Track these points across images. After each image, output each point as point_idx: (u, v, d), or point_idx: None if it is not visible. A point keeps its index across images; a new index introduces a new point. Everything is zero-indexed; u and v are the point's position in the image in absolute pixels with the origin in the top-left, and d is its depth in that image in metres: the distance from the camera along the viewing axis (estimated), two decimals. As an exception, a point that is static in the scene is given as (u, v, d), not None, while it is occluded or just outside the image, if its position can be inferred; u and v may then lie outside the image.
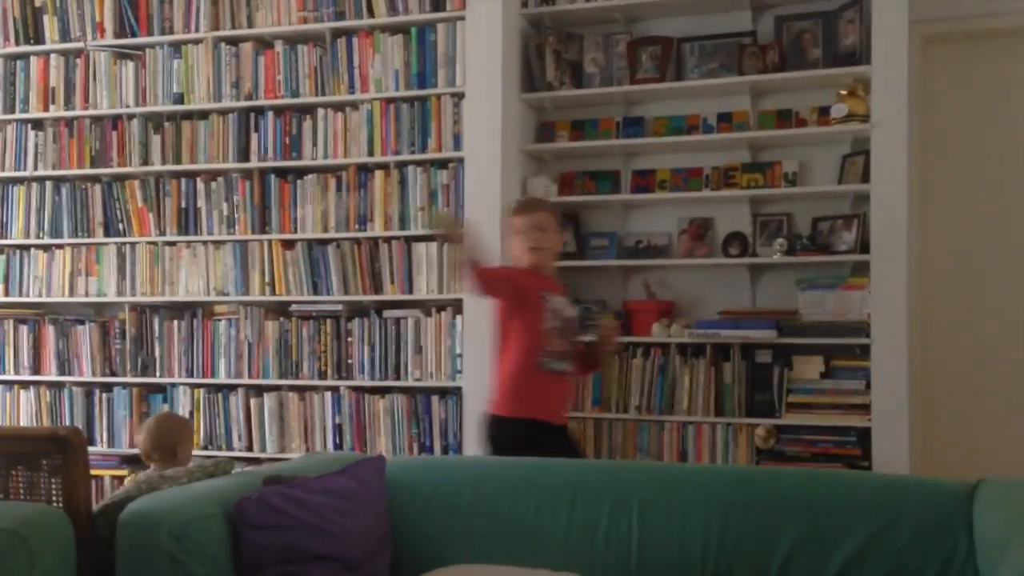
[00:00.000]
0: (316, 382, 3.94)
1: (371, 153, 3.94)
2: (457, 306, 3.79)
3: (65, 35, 4.32)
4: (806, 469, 3.17)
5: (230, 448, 4.00)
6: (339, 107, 3.99)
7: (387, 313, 3.91)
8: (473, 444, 3.66)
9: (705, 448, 3.62)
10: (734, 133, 3.80)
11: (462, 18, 3.82)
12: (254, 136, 4.07)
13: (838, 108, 3.61)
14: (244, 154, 4.09)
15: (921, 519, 2.19)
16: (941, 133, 3.72)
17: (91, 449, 2.97)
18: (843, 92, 3.59)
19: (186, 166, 4.16)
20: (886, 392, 3.40)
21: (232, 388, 4.06)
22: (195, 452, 3.42)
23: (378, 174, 3.92)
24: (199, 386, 4.09)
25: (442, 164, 3.86)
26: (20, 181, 4.37)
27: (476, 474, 2.52)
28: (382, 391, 3.89)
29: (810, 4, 3.76)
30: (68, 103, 4.31)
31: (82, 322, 4.27)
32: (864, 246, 3.54)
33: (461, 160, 3.81)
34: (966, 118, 3.72)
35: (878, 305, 3.46)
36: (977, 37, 3.70)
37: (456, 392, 3.77)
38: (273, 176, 4.05)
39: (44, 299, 4.33)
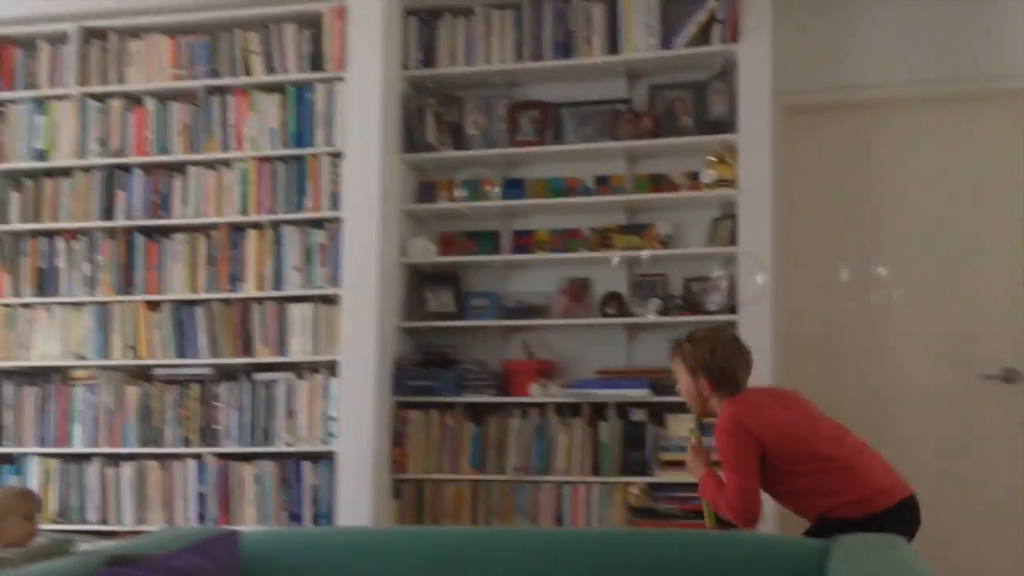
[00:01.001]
0: (179, 449, 3.78)
1: (244, 212, 3.86)
2: (332, 368, 3.71)
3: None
4: (669, 531, 3.17)
5: (84, 521, 3.77)
6: (211, 165, 3.91)
7: (258, 376, 3.79)
8: (347, 512, 3.56)
9: (581, 507, 3.60)
10: (611, 196, 3.88)
11: (341, 79, 3.82)
12: (120, 194, 3.93)
13: (707, 173, 3.73)
14: (108, 212, 3.94)
15: (776, 578, 2.21)
16: (804, 198, 3.88)
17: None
18: (712, 158, 3.72)
19: (46, 224, 3.99)
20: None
21: (87, 457, 3.84)
22: (46, 527, 3.22)
23: (252, 233, 3.84)
24: (52, 456, 3.86)
25: (319, 224, 3.81)
26: None
27: (337, 546, 2.43)
28: (250, 457, 3.75)
29: (682, 74, 3.89)
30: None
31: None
32: (732, 307, 3.63)
33: (339, 220, 3.76)
34: (827, 183, 3.89)
35: (749, 365, 3.53)
36: (836, 108, 3.89)
37: (329, 457, 3.66)
38: (139, 235, 3.91)
39: None
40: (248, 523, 3.64)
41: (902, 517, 2.56)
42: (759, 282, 3.52)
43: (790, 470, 2.59)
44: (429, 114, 3.95)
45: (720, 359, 2.75)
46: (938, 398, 3.71)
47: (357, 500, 3.58)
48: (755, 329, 3.52)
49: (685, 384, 2.81)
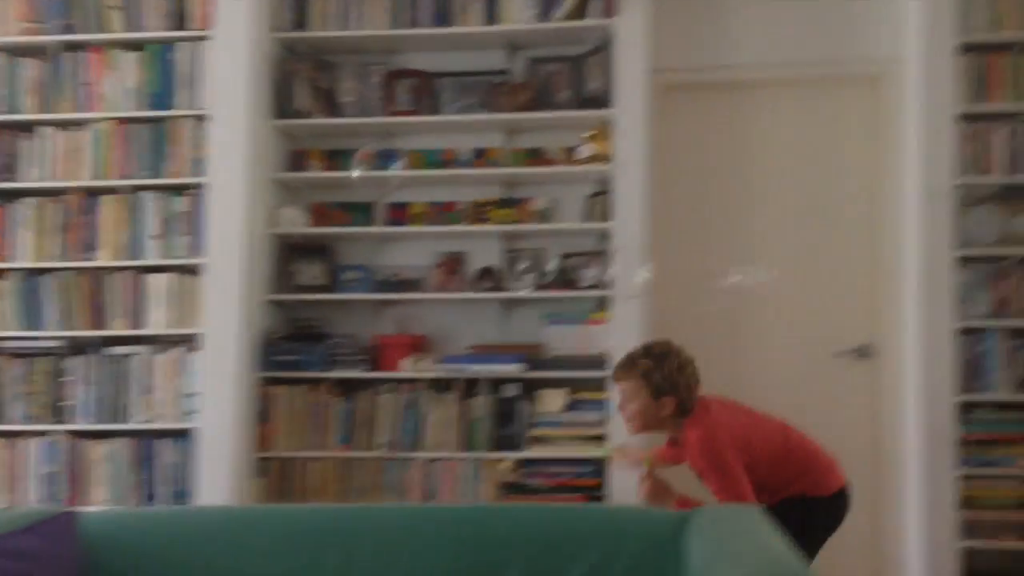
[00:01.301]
0: (25, 427, 3.56)
1: (100, 176, 3.64)
2: (192, 341, 3.56)
3: None
4: (532, 504, 3.18)
5: (-81, 503, 3.52)
6: (64, 126, 3.67)
7: (112, 350, 3.60)
8: (208, 491, 3.43)
9: (451, 484, 3.57)
10: (488, 169, 3.83)
11: (207, 37, 3.64)
12: (-37, 153, 3.67)
13: (584, 149, 3.73)
14: (-51, 173, 3.67)
15: (638, 548, 2.24)
16: (677, 175, 3.92)
17: None
18: (588, 133, 3.72)
19: None
20: (621, 423, 3.49)
21: (-75, 435, 3.59)
22: None
23: (107, 199, 3.63)
24: None
25: (181, 190, 3.63)
26: None
27: (187, 525, 2.33)
28: (103, 435, 3.57)
29: (560, 48, 3.87)
30: None
31: None
32: (607, 281, 3.65)
33: (203, 186, 3.59)
34: (699, 161, 3.94)
35: (617, 338, 3.57)
36: (710, 88, 3.94)
37: (189, 434, 3.52)
38: (-16, 198, 3.66)
39: None
40: (100, 504, 3.47)
41: (846, 498, 2.68)
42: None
43: (759, 470, 2.55)
44: (301, 79, 3.82)
45: (689, 377, 2.63)
46: (796, 374, 3.83)
47: (218, 479, 3.46)
48: (627, 307, 3.56)
49: (640, 404, 2.61)
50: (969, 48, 3.49)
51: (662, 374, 2.59)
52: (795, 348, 3.84)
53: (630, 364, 2.64)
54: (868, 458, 3.75)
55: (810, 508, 2.61)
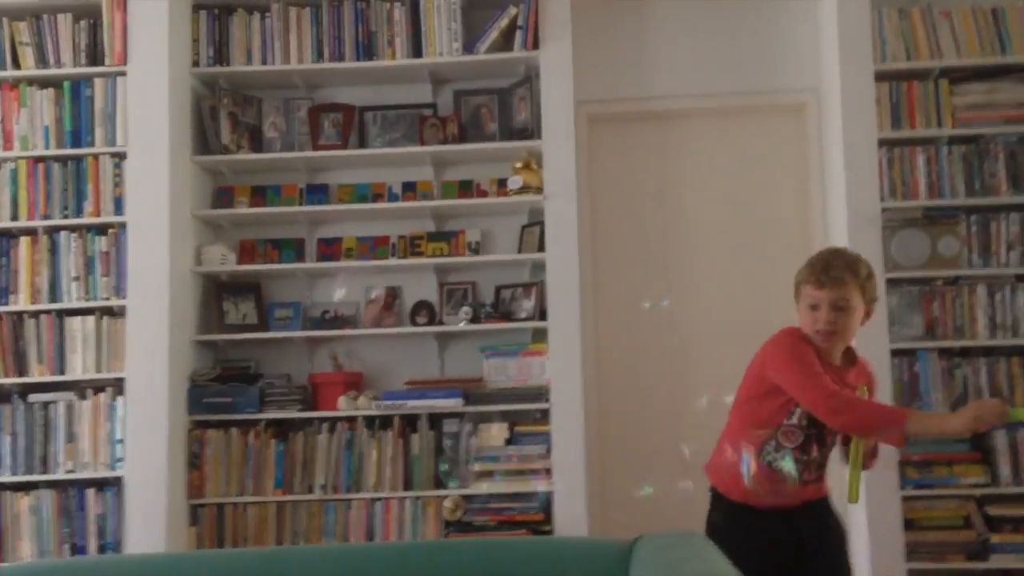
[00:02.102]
0: (-61, 482, 3.38)
1: (15, 217, 3.50)
2: (118, 386, 3.42)
3: None
4: (473, 539, 3.12)
5: None
6: (-24, 165, 3.53)
7: (33, 397, 3.44)
8: (138, 542, 3.29)
9: (393, 524, 3.49)
10: (418, 202, 3.80)
11: (123, 73, 3.54)
12: None
13: (514, 180, 3.72)
14: None
15: (584, 580, 2.20)
16: (609, 205, 3.94)
17: None
18: (518, 165, 3.72)
19: None
20: (565, 456, 3.48)
21: None
22: None
23: (23, 240, 3.49)
24: None
25: (101, 230, 3.51)
26: None
27: (110, 574, 2.21)
28: (26, 487, 3.40)
29: (486, 81, 3.88)
30: None
31: None
32: (543, 313, 3.64)
33: (124, 225, 3.48)
34: (630, 191, 3.97)
35: (556, 370, 3.55)
36: (636, 118, 3.98)
37: (117, 483, 3.37)
38: None
39: None
40: (25, 559, 3.29)
41: None
42: None
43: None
44: (223, 114, 3.74)
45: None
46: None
47: (149, 529, 3.32)
48: (565, 337, 3.55)
49: (855, 320, 2.32)
50: (887, 76, 3.60)
51: (873, 284, 2.34)
52: (731, 372, 3.86)
53: (851, 268, 2.31)
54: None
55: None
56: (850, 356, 2.42)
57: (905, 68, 3.59)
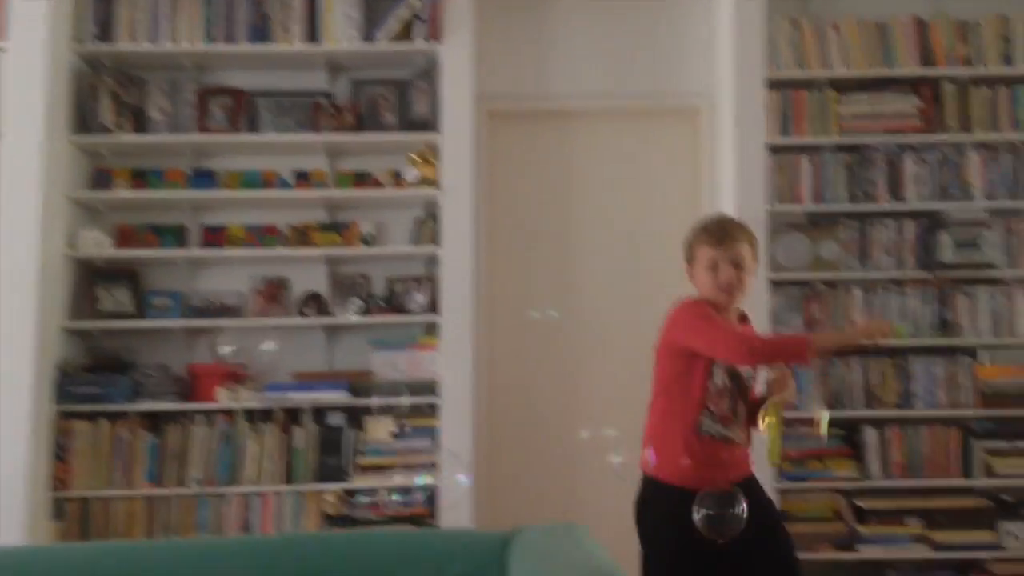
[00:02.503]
0: None
1: None
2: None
3: None
4: (349, 532, 3.05)
5: None
6: None
7: None
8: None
9: (272, 519, 3.38)
10: (311, 191, 3.70)
11: (1, 49, 3.36)
12: None
13: (410, 172, 3.67)
14: None
15: (460, 572, 2.16)
16: (507, 201, 3.92)
17: None
18: (415, 157, 3.67)
19: None
20: (455, 448, 3.43)
21: None
22: None
23: None
24: None
25: (-33, 209, 3.31)
26: None
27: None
28: None
29: (385, 71, 3.81)
30: None
31: None
32: (435, 307, 3.59)
33: (-8, 206, 3.29)
34: (529, 189, 3.96)
35: (446, 364, 3.51)
36: (536, 116, 3.97)
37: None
38: None
39: None
40: None
41: None
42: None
43: None
44: (105, 94, 3.58)
45: None
46: (623, 396, 3.86)
47: (8, 523, 3.14)
48: (456, 332, 3.51)
49: (750, 276, 2.41)
50: (777, 84, 3.68)
51: (758, 248, 2.48)
52: (621, 371, 3.88)
53: (744, 230, 2.45)
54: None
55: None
56: (743, 318, 2.49)
57: (795, 77, 3.68)
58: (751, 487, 2.40)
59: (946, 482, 3.53)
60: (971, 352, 3.60)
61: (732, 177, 3.65)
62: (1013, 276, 3.60)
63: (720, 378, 2.37)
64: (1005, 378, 3.57)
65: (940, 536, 3.48)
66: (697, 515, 2.16)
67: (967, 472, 3.53)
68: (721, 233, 2.43)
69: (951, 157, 3.64)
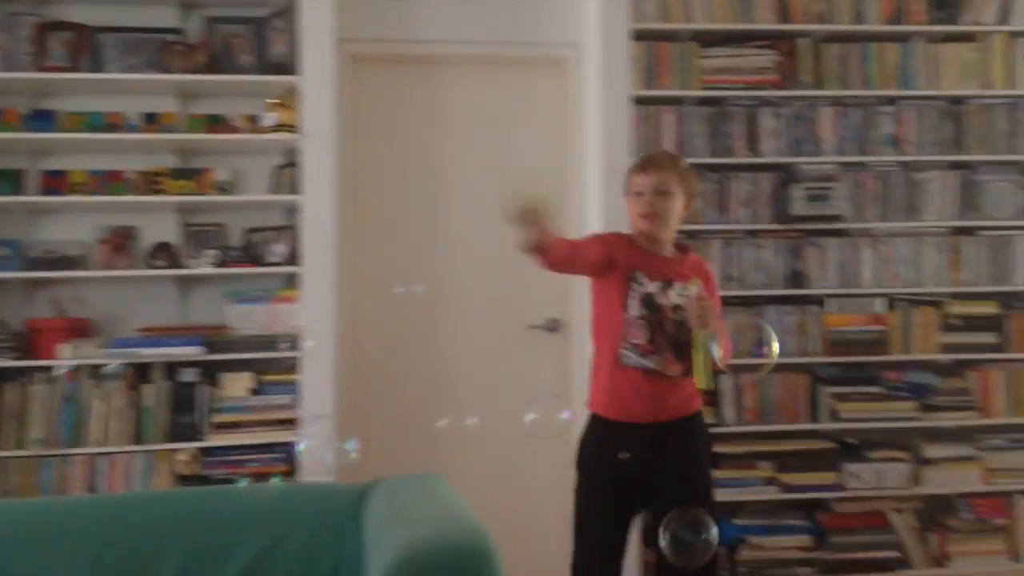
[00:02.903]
0: None
1: None
2: None
3: None
4: (193, 489, 2.94)
5: None
6: None
7: None
8: None
9: (120, 480, 3.23)
10: (161, 135, 3.50)
11: None
12: None
13: (269, 117, 3.52)
14: None
15: (315, 525, 2.12)
16: (372, 149, 3.82)
17: None
18: (273, 101, 3.52)
19: None
20: (314, 406, 3.35)
21: None
22: None
23: None
24: None
25: None
26: None
27: None
28: None
29: (241, 8, 3.63)
30: None
31: None
32: (295, 258, 3.48)
33: None
34: (395, 136, 3.86)
35: (307, 318, 3.41)
36: (401, 61, 3.87)
37: None
38: None
39: None
40: None
41: None
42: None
43: None
44: (-74, 23, 3.27)
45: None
46: (493, 347, 3.87)
47: None
48: (318, 284, 3.41)
49: (674, 203, 2.44)
50: (642, 35, 3.69)
51: (694, 182, 2.53)
52: (490, 322, 3.88)
53: (671, 159, 2.52)
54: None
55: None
56: (683, 250, 2.54)
57: (659, 28, 3.70)
58: (685, 429, 2.47)
59: (795, 426, 3.69)
60: (819, 301, 3.75)
61: (597, 128, 3.66)
62: (859, 228, 3.76)
63: (636, 309, 2.41)
64: (850, 326, 3.75)
65: (789, 478, 3.64)
66: (662, 540, 2.10)
67: (814, 416, 3.70)
68: (647, 161, 2.50)
69: (805, 112, 3.76)
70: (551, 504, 3.82)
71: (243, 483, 2.99)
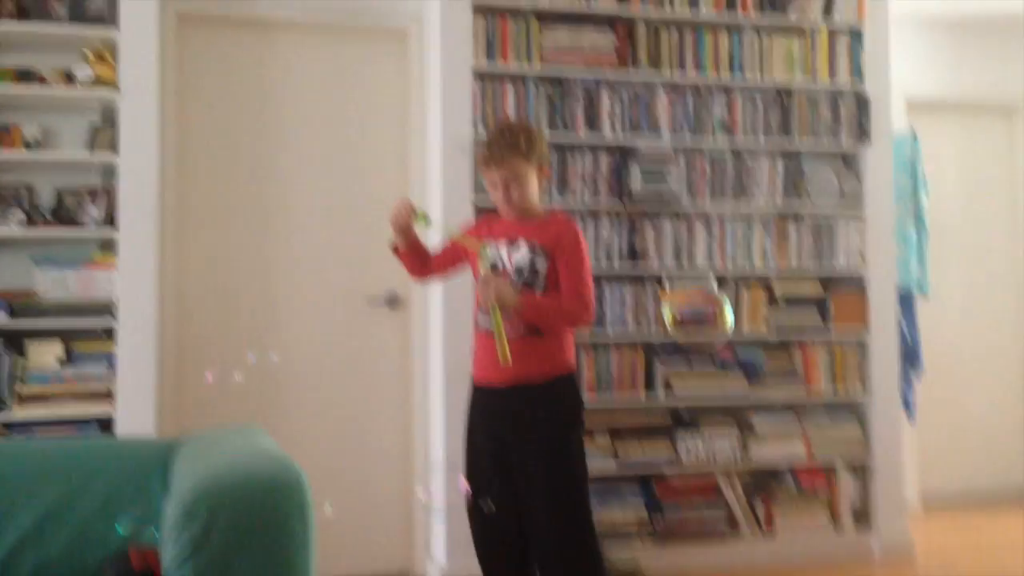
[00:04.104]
0: None
1: None
2: None
3: None
4: (5, 442, 2.70)
5: None
6: None
7: None
8: None
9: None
10: (-38, 87, 3.21)
11: None
12: None
13: (83, 71, 3.29)
14: None
15: (117, 478, 1.94)
16: (200, 111, 3.63)
17: None
18: (90, 55, 3.29)
19: None
20: (132, 377, 3.14)
21: None
22: None
23: None
24: None
25: None
26: None
27: None
28: None
29: (54, -45, 3.38)
30: None
31: None
32: (113, 220, 3.25)
33: None
34: (224, 100, 3.69)
35: (126, 284, 3.20)
36: (231, 23, 3.70)
37: None
38: None
39: None
40: None
41: None
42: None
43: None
44: None
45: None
46: (331, 320, 3.74)
47: None
48: (137, 249, 3.20)
49: (530, 183, 2.47)
50: (483, 9, 3.67)
51: (542, 147, 2.50)
52: (329, 295, 3.75)
53: (511, 142, 2.45)
54: (400, 401, 3.79)
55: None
56: (552, 215, 2.59)
57: (501, 4, 3.69)
58: (541, 395, 2.44)
59: (632, 400, 3.73)
60: (656, 279, 3.82)
61: (438, 101, 3.61)
62: (693, 209, 3.86)
63: (482, 271, 2.46)
64: (684, 304, 3.83)
65: (626, 450, 3.68)
66: None
67: (650, 390, 3.76)
68: (489, 155, 2.48)
69: (642, 94, 3.84)
70: (385, 476, 3.72)
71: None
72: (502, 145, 2.46)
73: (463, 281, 3.52)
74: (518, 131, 2.50)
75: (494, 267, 2.47)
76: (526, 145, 2.46)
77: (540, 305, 2.41)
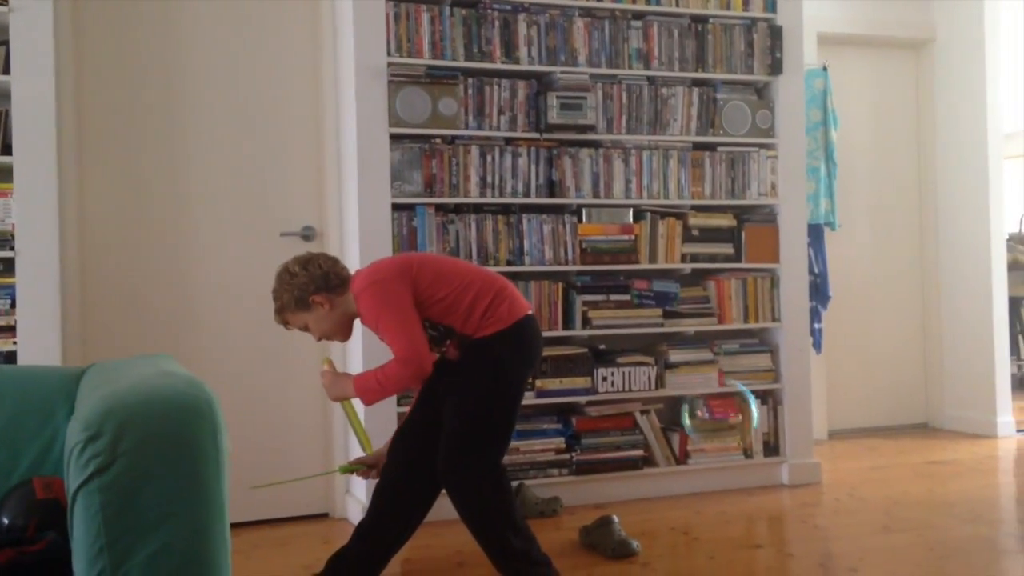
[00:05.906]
0: None
1: None
2: None
3: None
4: None
5: None
6: None
7: None
8: None
9: None
10: None
11: None
12: None
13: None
14: None
15: (17, 407, 1.86)
16: (102, 30, 3.45)
17: None
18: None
19: None
20: (34, 311, 3.02)
21: None
22: None
23: None
24: None
25: None
26: None
27: None
28: None
29: None
30: None
31: None
32: (8, 148, 3.08)
33: None
34: (127, 21, 3.50)
35: (24, 213, 3.04)
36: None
37: None
38: None
39: None
40: None
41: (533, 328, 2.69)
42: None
43: (439, 295, 2.56)
44: None
45: (314, 267, 2.54)
46: (246, 257, 3.65)
47: None
48: (35, 176, 3.05)
49: (327, 321, 2.57)
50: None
51: (308, 281, 2.53)
52: (243, 232, 3.65)
53: (277, 309, 2.58)
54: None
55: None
56: (348, 310, 2.63)
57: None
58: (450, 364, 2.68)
59: (551, 333, 3.75)
60: (574, 211, 3.82)
61: (351, 26, 3.50)
62: (610, 139, 3.86)
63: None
64: (602, 236, 3.85)
65: (545, 383, 3.71)
66: None
67: (568, 323, 3.79)
68: (276, 310, 2.60)
69: (560, 21, 3.79)
70: (302, 407, 3.69)
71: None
72: (275, 310, 2.60)
73: (377, 215, 3.48)
74: (275, 291, 2.58)
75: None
76: (287, 298, 2.55)
77: (369, 380, 2.51)
